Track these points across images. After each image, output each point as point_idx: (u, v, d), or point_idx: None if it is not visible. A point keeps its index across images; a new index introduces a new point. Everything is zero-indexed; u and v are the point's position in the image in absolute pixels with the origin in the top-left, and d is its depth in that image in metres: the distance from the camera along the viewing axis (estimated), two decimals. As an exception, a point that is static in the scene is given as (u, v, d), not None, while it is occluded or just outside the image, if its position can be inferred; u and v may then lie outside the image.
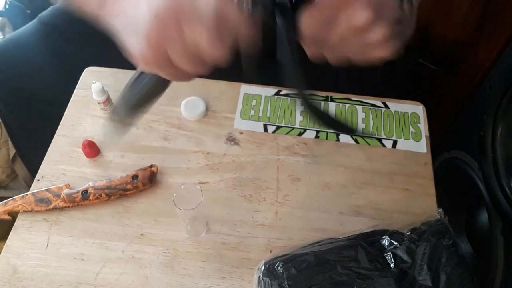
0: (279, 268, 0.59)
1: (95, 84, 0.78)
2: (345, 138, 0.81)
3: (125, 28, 0.46)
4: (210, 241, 0.70)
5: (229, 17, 0.43)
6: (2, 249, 0.67)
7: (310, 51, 0.49)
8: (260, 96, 0.86)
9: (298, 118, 0.83)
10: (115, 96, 0.84)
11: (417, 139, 0.81)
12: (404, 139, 0.81)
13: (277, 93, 0.86)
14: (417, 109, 0.85)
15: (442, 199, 0.76)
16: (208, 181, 0.75)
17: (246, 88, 0.87)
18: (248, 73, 0.62)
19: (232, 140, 0.80)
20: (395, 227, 0.65)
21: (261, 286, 0.59)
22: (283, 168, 0.77)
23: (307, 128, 0.82)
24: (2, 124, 1.07)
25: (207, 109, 0.83)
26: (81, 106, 0.84)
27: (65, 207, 0.71)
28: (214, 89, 0.87)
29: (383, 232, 0.64)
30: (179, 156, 0.78)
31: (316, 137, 0.81)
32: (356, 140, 0.81)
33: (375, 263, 0.60)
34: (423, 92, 1.18)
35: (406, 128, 0.83)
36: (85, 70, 0.88)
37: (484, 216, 0.88)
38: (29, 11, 1.44)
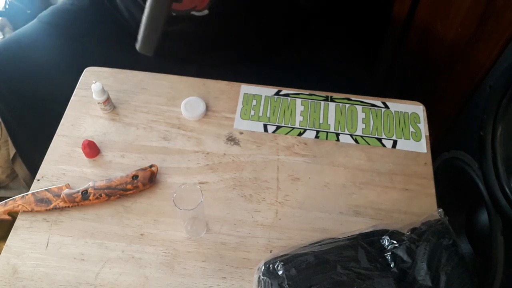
0: (279, 268, 0.59)
1: (95, 84, 0.78)
2: (345, 138, 0.81)
3: None
4: (210, 241, 0.70)
5: None
6: (2, 249, 0.67)
7: None
8: (260, 96, 0.86)
9: (298, 118, 0.83)
10: (115, 96, 0.84)
11: (417, 139, 0.81)
12: (404, 139, 0.81)
13: (277, 93, 0.86)
14: (417, 109, 0.85)
15: (442, 199, 0.76)
16: (208, 181, 0.75)
17: (246, 88, 0.87)
18: None
19: (232, 140, 0.80)
20: (395, 227, 0.65)
21: (261, 286, 0.59)
22: (283, 168, 0.77)
23: (307, 128, 0.82)
24: (2, 124, 1.07)
25: (207, 109, 0.83)
26: (81, 106, 0.84)
27: (65, 207, 0.71)
28: (214, 89, 0.87)
29: (383, 232, 0.64)
30: (179, 156, 0.78)
31: (316, 137, 0.81)
32: (356, 140, 0.81)
33: (375, 263, 0.60)
34: (423, 92, 1.18)
35: (406, 128, 0.83)
36: (85, 70, 0.88)
37: (484, 216, 0.87)
38: (29, 11, 1.44)
